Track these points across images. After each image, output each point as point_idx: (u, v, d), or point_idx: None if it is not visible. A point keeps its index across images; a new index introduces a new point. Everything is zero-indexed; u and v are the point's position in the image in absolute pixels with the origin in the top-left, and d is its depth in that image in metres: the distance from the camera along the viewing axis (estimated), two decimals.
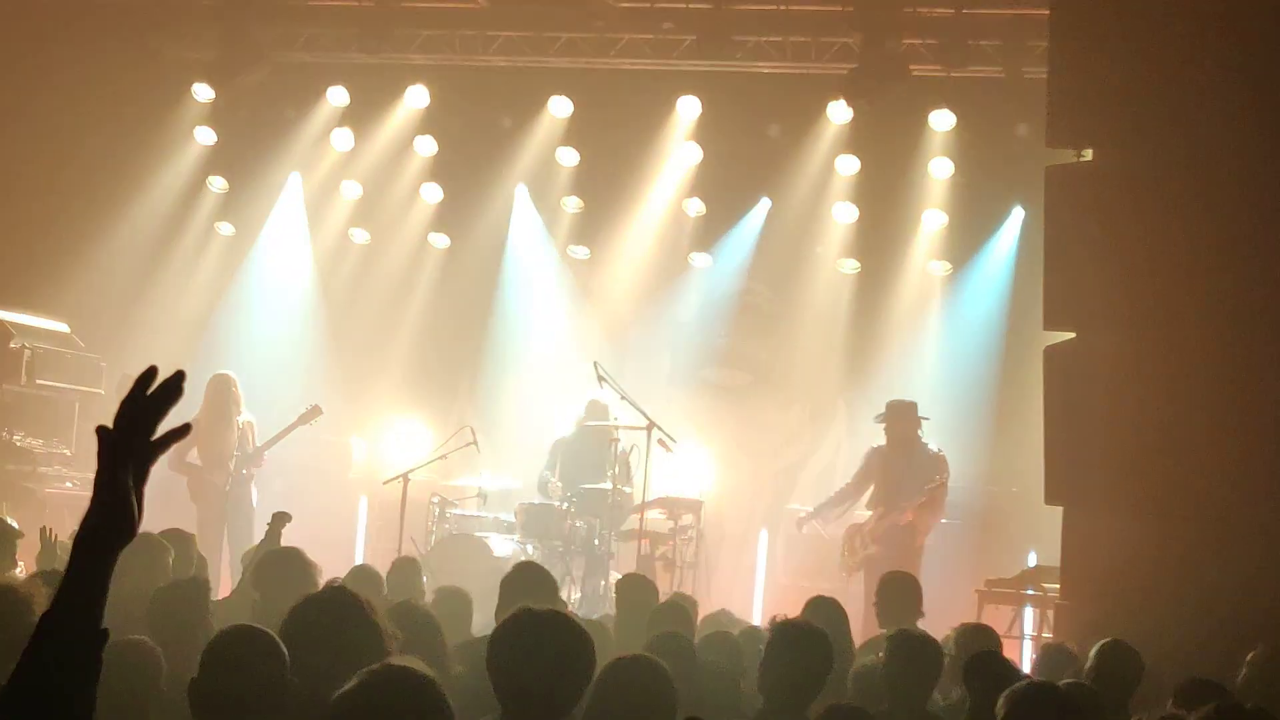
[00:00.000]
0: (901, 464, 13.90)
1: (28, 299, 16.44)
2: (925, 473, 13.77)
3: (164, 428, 2.73)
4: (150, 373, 2.80)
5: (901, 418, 13.99)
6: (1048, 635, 12.20)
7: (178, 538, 9.02)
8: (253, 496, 14.83)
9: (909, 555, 13.41)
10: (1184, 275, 10.87)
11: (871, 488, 14.12)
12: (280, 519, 10.11)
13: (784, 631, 6.43)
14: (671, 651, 6.17)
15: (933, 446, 14.08)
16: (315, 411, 14.79)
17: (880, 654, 6.94)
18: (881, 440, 14.13)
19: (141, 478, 2.73)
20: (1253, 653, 8.18)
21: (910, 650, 6.80)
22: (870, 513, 14.04)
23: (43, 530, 9.51)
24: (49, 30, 16.38)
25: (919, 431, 14.02)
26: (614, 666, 5.21)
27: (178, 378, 2.81)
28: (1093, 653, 7.89)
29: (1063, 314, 11.47)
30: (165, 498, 15.05)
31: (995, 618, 12.36)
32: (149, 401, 2.76)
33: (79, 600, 2.66)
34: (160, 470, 2.88)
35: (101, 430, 2.73)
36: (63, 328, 16.64)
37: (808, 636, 6.41)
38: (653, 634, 7.12)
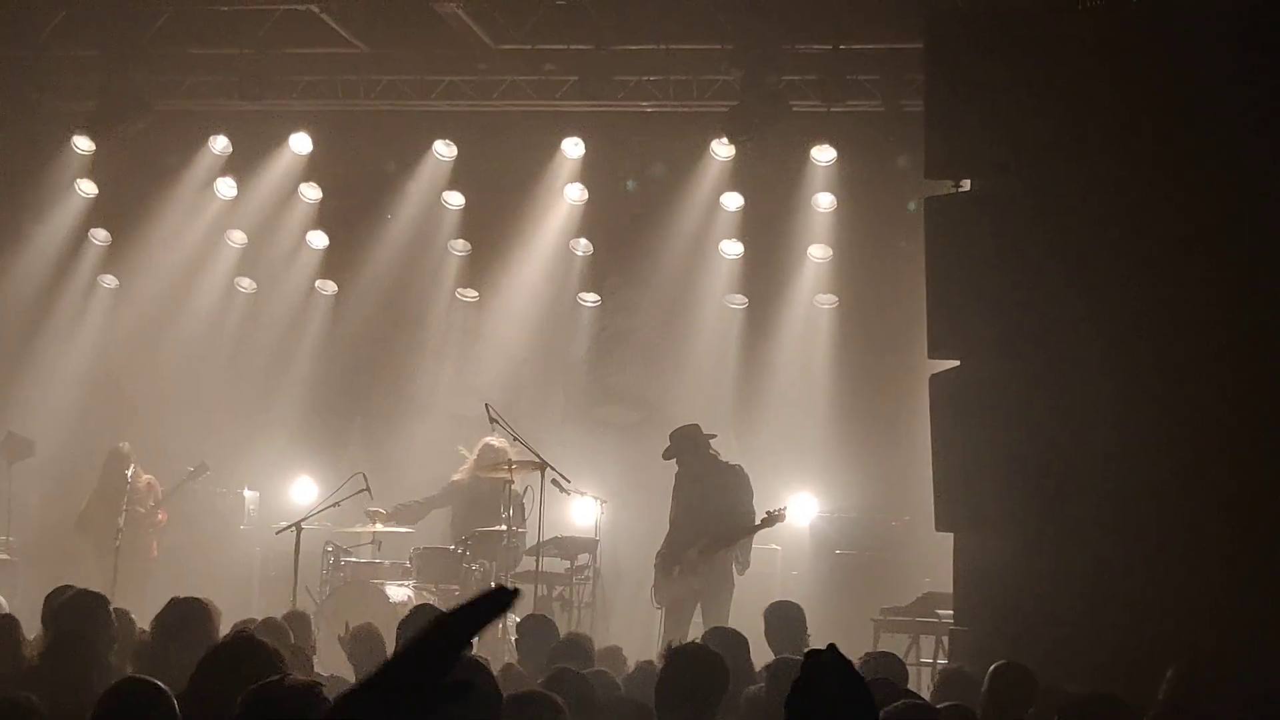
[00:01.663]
0: (695, 487, 13.88)
1: None
2: (732, 490, 13.77)
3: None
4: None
5: (687, 444, 13.95)
6: (943, 661, 12.33)
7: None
8: (152, 550, 15.09)
9: (728, 585, 13.49)
10: (1064, 299, 11.03)
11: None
12: None
13: (679, 655, 6.48)
14: (567, 686, 6.20)
15: (731, 462, 14.10)
16: (202, 468, 15.13)
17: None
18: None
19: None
20: (1171, 669, 8.29)
21: (788, 675, 6.84)
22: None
23: None
24: None
25: (709, 450, 13.99)
26: (515, 702, 5.23)
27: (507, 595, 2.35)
28: (987, 675, 7.99)
29: (946, 342, 11.59)
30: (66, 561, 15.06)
31: (892, 646, 12.48)
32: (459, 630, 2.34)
33: None
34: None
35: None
36: None
37: (703, 659, 6.47)
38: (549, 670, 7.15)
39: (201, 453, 16.13)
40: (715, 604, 13.25)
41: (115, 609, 8.45)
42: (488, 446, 15.10)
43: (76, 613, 8.28)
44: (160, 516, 15.87)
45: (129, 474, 15.52)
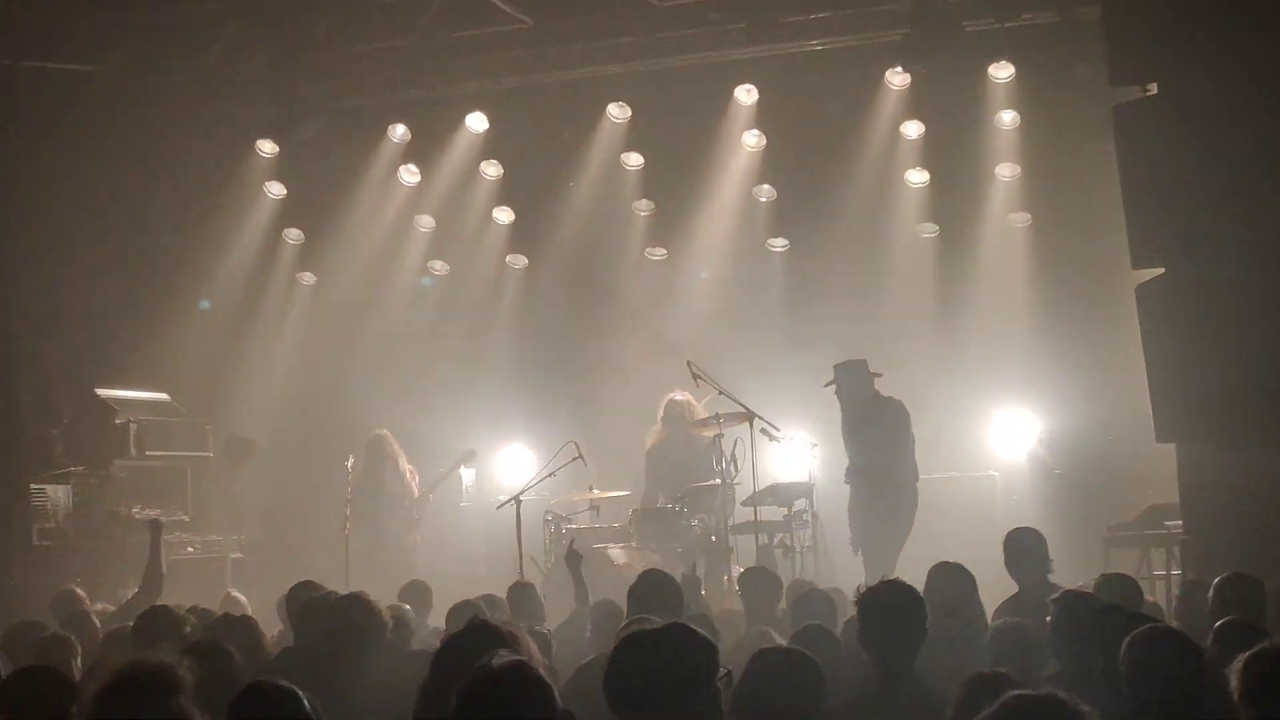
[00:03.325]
0: (862, 422, 13.75)
1: (126, 374, 16.73)
2: (888, 426, 13.62)
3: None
4: None
5: (849, 377, 13.82)
6: (1176, 572, 12.13)
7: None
8: (417, 536, 15.55)
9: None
10: (1264, 197, 10.76)
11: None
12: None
13: (871, 596, 6.42)
14: (815, 641, 6.21)
15: (892, 397, 13.86)
16: (471, 454, 15.31)
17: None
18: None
19: None
20: None
21: (1075, 610, 6.74)
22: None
23: None
24: (103, 109, 16.60)
25: (872, 387, 13.81)
26: (759, 659, 5.24)
27: None
28: (1211, 590, 7.84)
29: (1149, 251, 11.39)
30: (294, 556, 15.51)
31: (1121, 561, 12.31)
32: None
33: None
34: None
35: None
36: (163, 397, 16.88)
37: (894, 595, 6.42)
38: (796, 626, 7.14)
39: (407, 435, 16.39)
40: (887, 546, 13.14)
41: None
42: (672, 402, 15.18)
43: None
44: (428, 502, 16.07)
45: (400, 463, 15.87)
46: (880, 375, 13.94)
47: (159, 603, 9.63)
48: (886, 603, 6.32)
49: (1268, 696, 4.36)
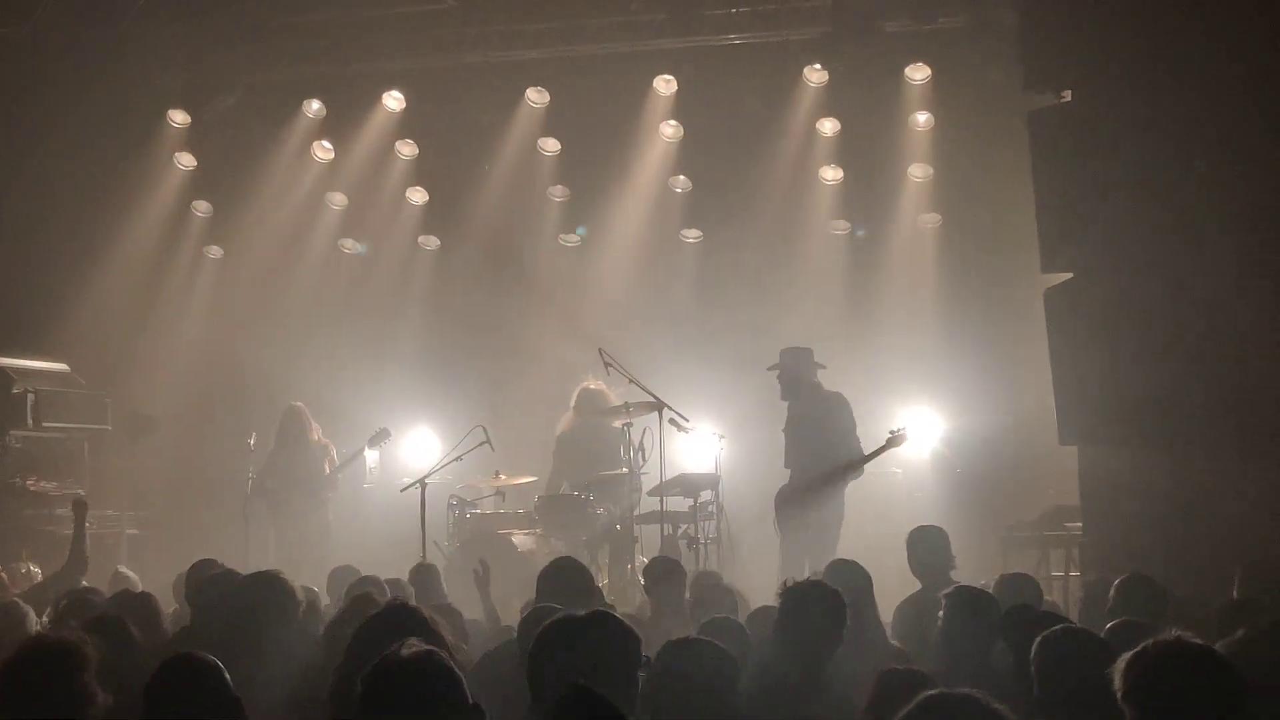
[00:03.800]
0: (802, 413, 13.54)
1: (25, 342, 16.46)
2: (828, 419, 13.39)
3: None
4: None
5: (789, 365, 13.62)
6: (1075, 574, 12.29)
7: None
8: (328, 514, 15.26)
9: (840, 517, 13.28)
10: (1175, 207, 10.91)
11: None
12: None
13: (793, 594, 6.46)
14: (723, 632, 6.23)
15: (831, 390, 13.67)
16: (384, 434, 15.10)
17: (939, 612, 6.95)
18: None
19: None
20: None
21: (969, 605, 6.82)
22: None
23: None
24: (17, 71, 16.34)
25: (812, 378, 13.59)
26: (670, 650, 5.25)
27: None
28: (1113, 590, 7.94)
29: (1057, 256, 11.52)
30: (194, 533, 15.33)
31: (1020, 561, 12.47)
32: None
33: None
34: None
35: None
36: (63, 368, 16.65)
37: (820, 595, 6.47)
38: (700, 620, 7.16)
39: (317, 413, 16.25)
40: (828, 537, 13.07)
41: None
42: (585, 390, 15.18)
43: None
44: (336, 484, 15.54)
45: (314, 435, 15.44)
46: (824, 367, 13.72)
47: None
48: (814, 600, 6.37)
49: (1147, 696, 4.43)
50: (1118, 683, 4.44)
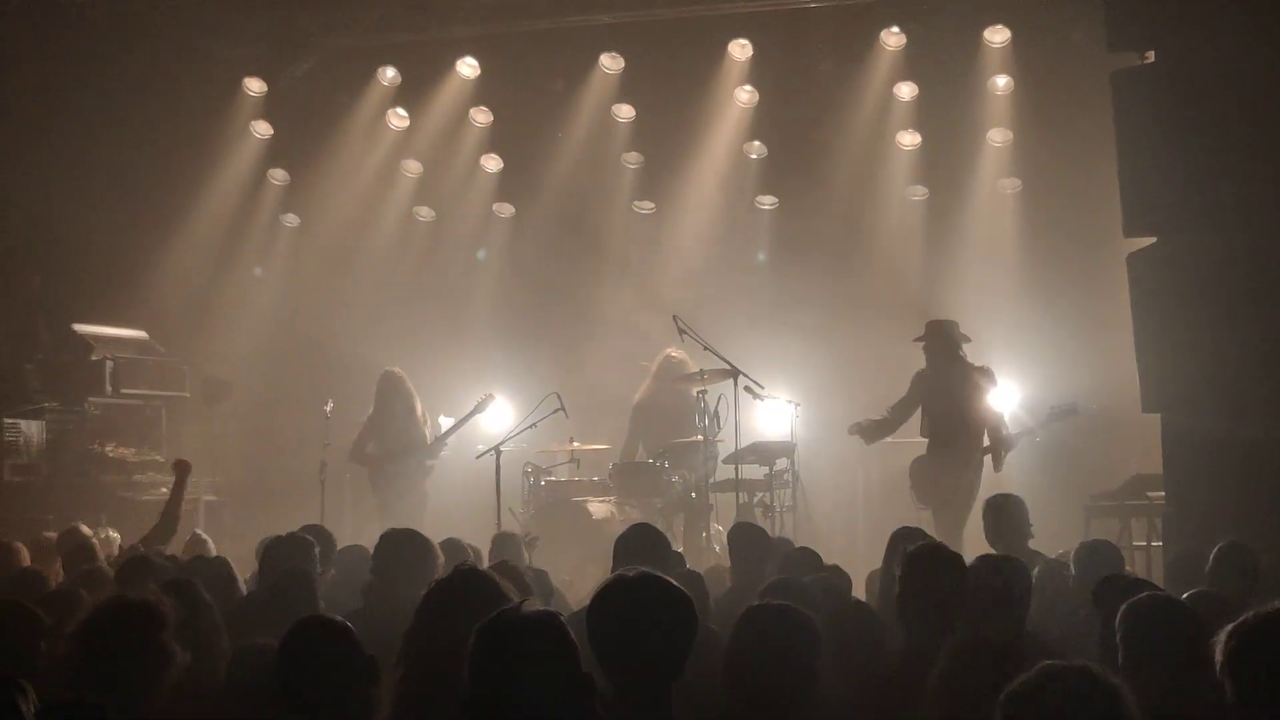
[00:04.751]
0: (944, 386, 13.45)
1: (104, 310, 16.58)
2: (969, 391, 13.34)
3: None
4: None
5: (939, 336, 13.56)
6: (1157, 543, 12.11)
7: None
8: (427, 488, 15.00)
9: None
10: (1258, 170, 10.69)
11: (919, 411, 13.68)
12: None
13: (915, 560, 6.32)
14: (788, 595, 6.11)
15: (978, 363, 13.64)
16: (489, 399, 14.91)
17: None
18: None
19: None
20: None
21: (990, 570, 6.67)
22: (925, 440, 13.64)
23: None
24: (96, 42, 16.41)
25: (960, 350, 13.54)
26: (751, 615, 5.18)
27: None
28: (1211, 556, 7.83)
29: (1141, 220, 11.31)
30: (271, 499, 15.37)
31: (1103, 531, 12.28)
32: None
33: None
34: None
35: None
36: (141, 335, 16.76)
37: (944, 560, 6.33)
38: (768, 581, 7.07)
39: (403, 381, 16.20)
40: (967, 505, 12.99)
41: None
42: (668, 358, 15.10)
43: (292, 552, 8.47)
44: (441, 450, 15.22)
45: (417, 401, 15.08)
46: (970, 340, 13.65)
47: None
48: (938, 567, 6.25)
49: (1249, 668, 4.30)
50: (1218, 654, 4.31)
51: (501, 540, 10.43)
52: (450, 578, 5.37)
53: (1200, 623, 5.23)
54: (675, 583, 4.51)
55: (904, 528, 8.55)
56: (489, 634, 4.01)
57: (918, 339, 13.66)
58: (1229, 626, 4.40)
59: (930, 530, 10.72)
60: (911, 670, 5.57)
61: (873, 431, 13.95)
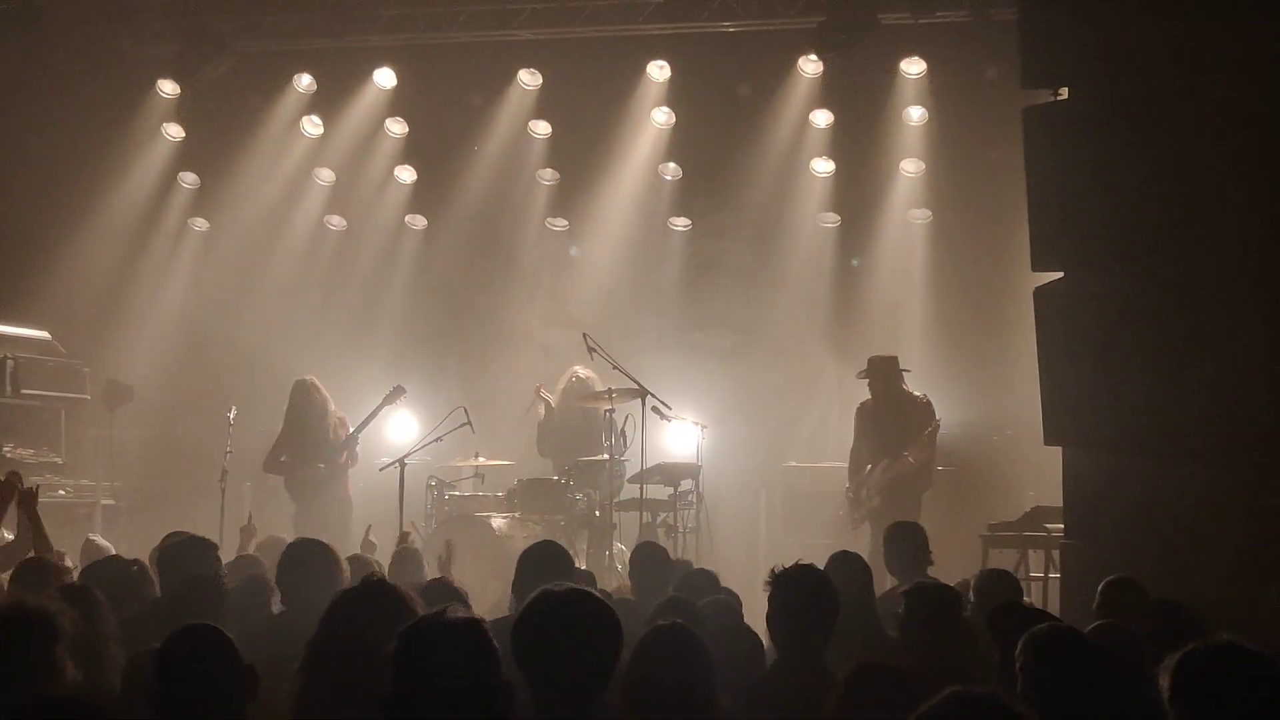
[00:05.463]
0: (888, 417, 14.13)
1: (5, 309, 16.34)
2: (914, 422, 14.05)
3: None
4: None
5: (883, 372, 14.22)
6: (1054, 575, 12.24)
7: None
8: (348, 487, 14.64)
9: (912, 506, 13.51)
10: (1167, 208, 10.84)
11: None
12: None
13: (785, 579, 6.40)
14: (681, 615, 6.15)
15: (918, 394, 14.31)
16: (399, 391, 14.62)
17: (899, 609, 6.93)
18: (866, 395, 14.29)
19: None
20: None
21: (929, 601, 6.78)
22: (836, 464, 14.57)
23: None
24: (4, 35, 16.19)
25: (902, 383, 14.26)
26: (651, 637, 5.19)
27: None
28: (1099, 591, 7.91)
29: (1049, 254, 11.41)
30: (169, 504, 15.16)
31: (999, 562, 12.40)
32: None
33: None
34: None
35: None
36: (43, 335, 16.54)
37: (811, 580, 6.40)
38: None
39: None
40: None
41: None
42: (575, 376, 15.08)
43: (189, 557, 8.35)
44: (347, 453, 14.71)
45: (331, 407, 14.70)
46: (910, 371, 14.39)
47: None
48: (806, 586, 6.32)
49: (1197, 697, 4.38)
50: (1165, 682, 4.39)
51: (402, 556, 10.36)
52: (358, 588, 5.35)
53: (1099, 654, 5.31)
54: (603, 598, 4.55)
55: (842, 552, 8.62)
56: (413, 636, 4.06)
57: (860, 374, 14.32)
58: (1176, 655, 4.48)
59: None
60: (785, 684, 5.68)
61: (858, 501, 14.34)
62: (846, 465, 14.43)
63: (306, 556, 7.58)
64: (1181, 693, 4.39)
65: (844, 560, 8.11)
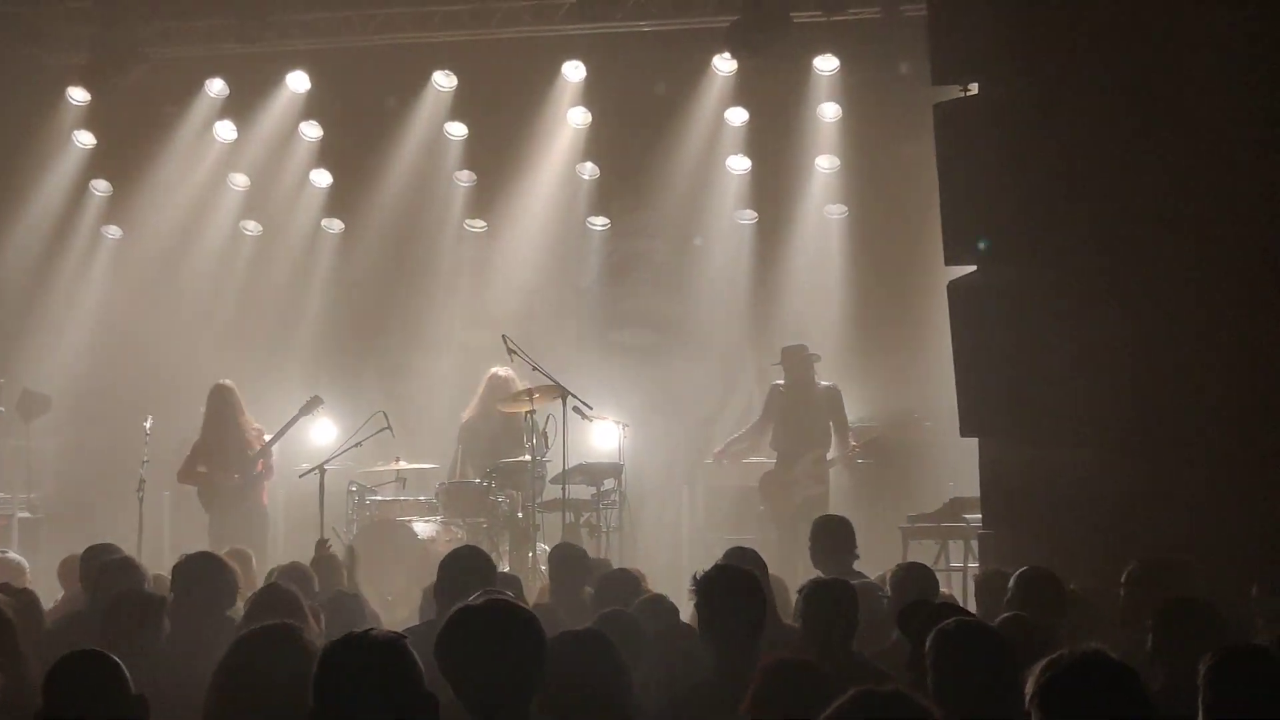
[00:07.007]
0: (800, 403, 14.87)
1: None
2: (821, 408, 14.92)
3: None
4: None
5: (794, 360, 14.97)
6: (974, 565, 12.36)
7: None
8: (264, 497, 14.60)
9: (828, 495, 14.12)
10: (1078, 202, 10.95)
11: (772, 427, 15.09)
12: None
13: (709, 583, 6.41)
14: (616, 625, 6.17)
15: (824, 382, 15.09)
16: (315, 402, 14.56)
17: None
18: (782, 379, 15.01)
19: None
20: (1126, 570, 8.32)
21: (825, 597, 6.82)
22: (775, 457, 15.07)
23: None
24: None
25: (812, 371, 15.00)
26: (559, 642, 5.21)
27: None
28: (1012, 582, 7.97)
29: (961, 249, 11.52)
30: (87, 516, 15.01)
31: (919, 553, 12.52)
32: None
33: None
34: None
35: None
36: None
37: (735, 580, 6.42)
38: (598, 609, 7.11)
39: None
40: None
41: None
42: (495, 376, 15.04)
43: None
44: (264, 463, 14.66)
45: (245, 415, 14.65)
46: (819, 359, 15.12)
47: None
48: (731, 586, 6.35)
49: (1055, 705, 4.39)
50: (1030, 686, 4.42)
51: (323, 563, 10.31)
52: (260, 631, 5.27)
53: (1009, 648, 5.36)
54: (523, 606, 4.57)
55: (737, 547, 8.66)
56: (336, 653, 4.10)
57: (775, 364, 15.08)
58: (1043, 660, 4.49)
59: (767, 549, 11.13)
60: (723, 685, 5.70)
61: (735, 452, 15.39)
62: (750, 443, 15.18)
63: (200, 572, 7.52)
64: (1041, 698, 4.39)
65: (740, 555, 8.15)
